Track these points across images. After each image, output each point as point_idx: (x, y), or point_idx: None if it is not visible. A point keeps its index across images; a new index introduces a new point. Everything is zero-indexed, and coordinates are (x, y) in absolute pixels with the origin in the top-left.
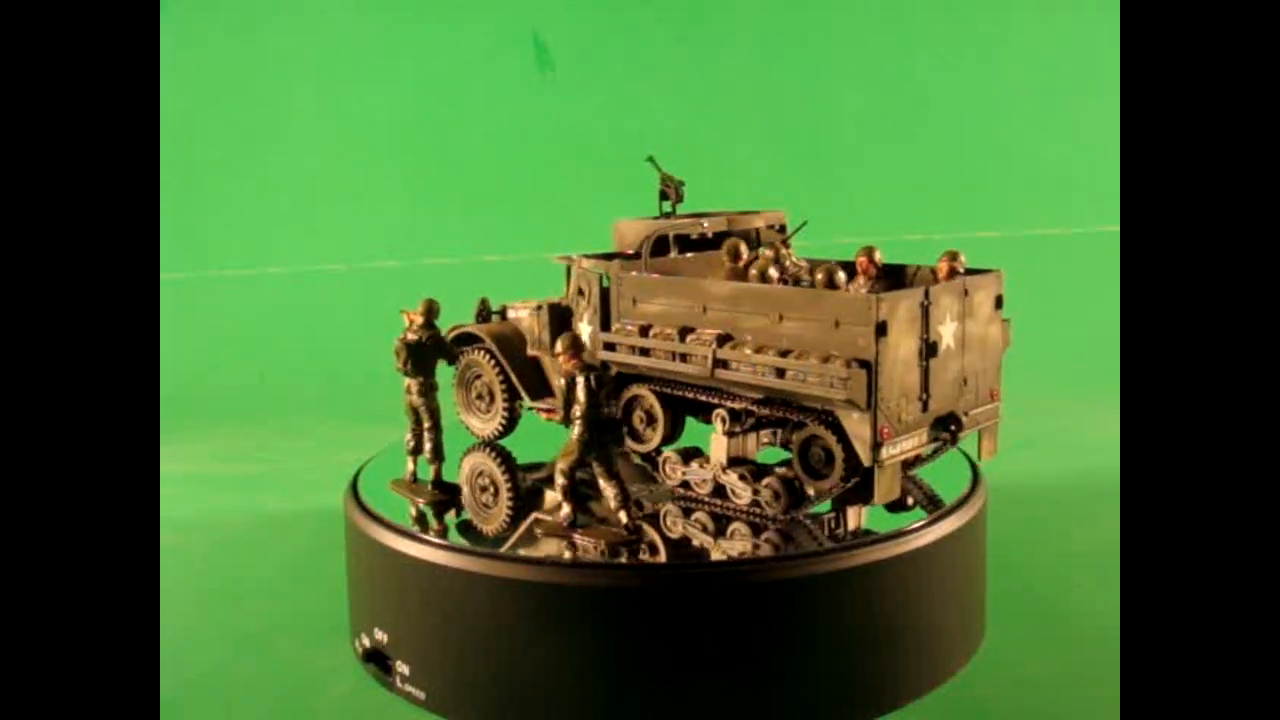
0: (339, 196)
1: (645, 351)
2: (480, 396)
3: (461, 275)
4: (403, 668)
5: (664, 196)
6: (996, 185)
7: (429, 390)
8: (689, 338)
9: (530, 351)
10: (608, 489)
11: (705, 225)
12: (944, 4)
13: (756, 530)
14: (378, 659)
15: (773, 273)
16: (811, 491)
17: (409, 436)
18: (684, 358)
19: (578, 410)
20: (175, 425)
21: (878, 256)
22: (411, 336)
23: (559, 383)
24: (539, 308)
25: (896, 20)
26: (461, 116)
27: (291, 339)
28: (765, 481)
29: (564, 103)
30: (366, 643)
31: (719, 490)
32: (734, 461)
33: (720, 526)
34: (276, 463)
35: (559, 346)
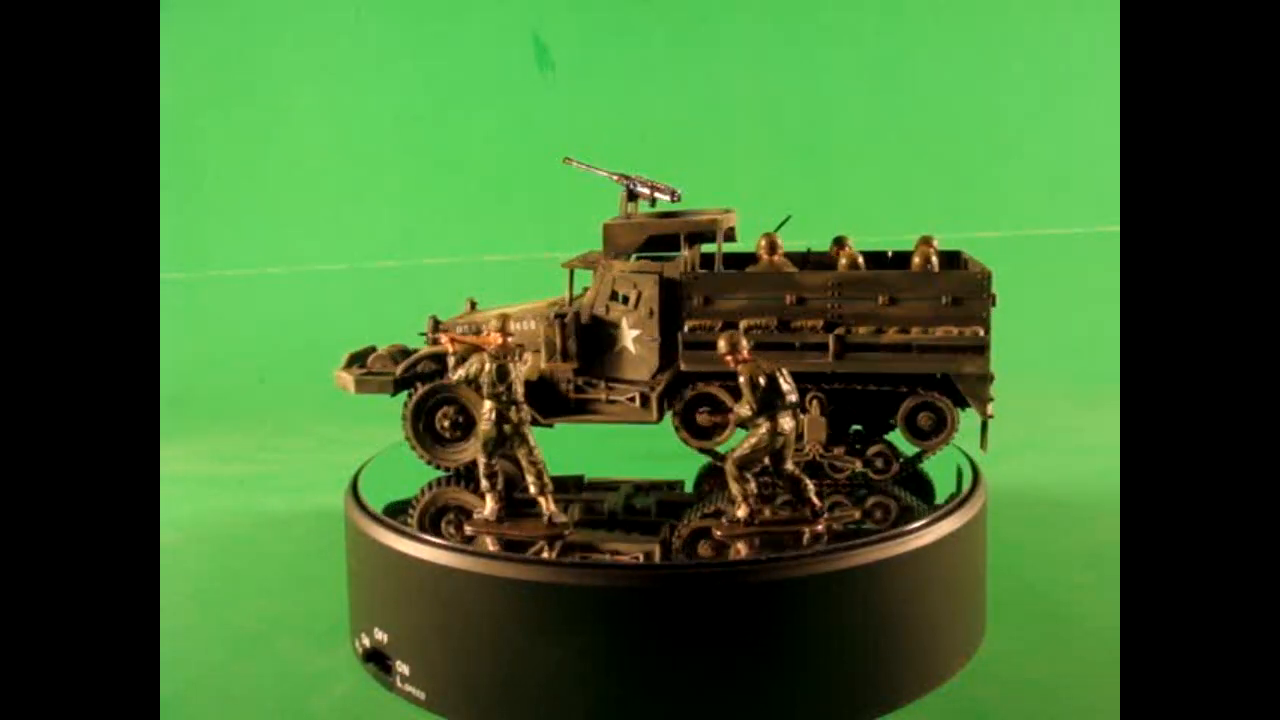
0: (339, 197)
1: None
2: (454, 425)
3: (461, 275)
4: (403, 668)
5: (633, 197)
6: (996, 185)
7: (523, 414)
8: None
9: (544, 365)
10: (789, 480)
11: (720, 220)
12: (944, 4)
13: (858, 500)
14: (378, 659)
15: (861, 260)
16: (923, 450)
17: (484, 471)
18: (793, 348)
19: (782, 402)
20: (175, 425)
21: (936, 244)
22: (504, 359)
23: (744, 380)
24: (558, 318)
25: (896, 20)
26: (461, 117)
27: (291, 339)
28: (875, 450)
29: (564, 102)
30: (366, 643)
31: (811, 469)
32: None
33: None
34: (276, 463)
35: (722, 348)
